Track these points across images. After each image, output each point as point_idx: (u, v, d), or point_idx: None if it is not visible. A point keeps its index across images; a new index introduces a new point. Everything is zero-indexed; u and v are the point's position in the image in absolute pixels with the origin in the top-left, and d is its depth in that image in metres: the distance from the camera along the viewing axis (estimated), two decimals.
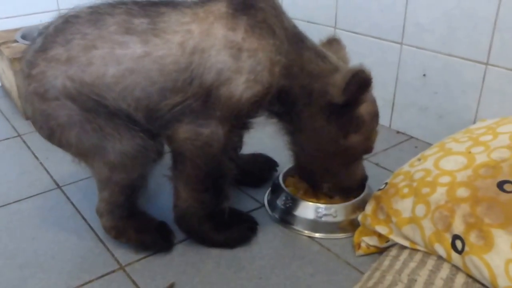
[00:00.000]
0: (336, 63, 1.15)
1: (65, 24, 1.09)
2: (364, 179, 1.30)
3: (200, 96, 1.06)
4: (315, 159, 1.24)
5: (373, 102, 1.18)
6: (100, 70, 1.05)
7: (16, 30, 2.13)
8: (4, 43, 2.00)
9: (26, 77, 1.10)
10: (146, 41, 1.06)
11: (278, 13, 1.11)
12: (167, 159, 1.18)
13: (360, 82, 1.06)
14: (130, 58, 1.05)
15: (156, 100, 1.07)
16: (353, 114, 1.14)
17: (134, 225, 1.22)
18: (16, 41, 2.00)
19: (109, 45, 1.05)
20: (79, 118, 1.08)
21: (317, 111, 1.14)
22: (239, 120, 1.11)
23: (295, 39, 1.13)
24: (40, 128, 1.14)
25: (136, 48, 1.05)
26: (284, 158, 1.30)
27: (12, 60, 1.82)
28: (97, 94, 1.06)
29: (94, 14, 1.09)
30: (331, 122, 1.14)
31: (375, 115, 1.19)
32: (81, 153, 1.14)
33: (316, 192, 1.33)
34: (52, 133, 1.12)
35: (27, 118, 1.91)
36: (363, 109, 1.14)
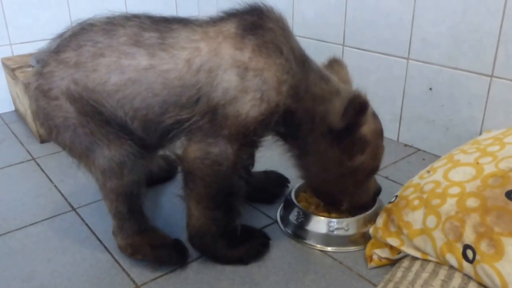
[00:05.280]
0: (338, 86, 1.16)
1: (81, 31, 1.14)
2: (377, 191, 1.30)
3: (207, 114, 1.08)
4: (323, 181, 1.25)
5: (375, 120, 1.18)
6: (103, 77, 1.09)
7: (30, 55, 2.16)
8: (19, 67, 2.03)
9: (37, 73, 1.15)
10: (153, 55, 1.09)
11: (287, 34, 1.13)
12: (180, 179, 1.19)
13: (357, 106, 1.08)
14: (134, 69, 1.08)
15: (157, 112, 1.10)
16: (355, 137, 1.15)
17: (149, 242, 1.23)
18: (30, 65, 2.03)
19: (116, 54, 1.09)
20: (73, 121, 1.12)
21: (320, 136, 1.16)
22: (247, 138, 1.12)
23: (302, 61, 1.14)
24: (42, 125, 1.19)
25: (141, 60, 1.08)
26: (295, 175, 1.31)
27: (27, 85, 1.82)
28: (95, 100, 1.11)
29: (108, 24, 1.13)
30: (334, 147, 1.15)
31: (378, 133, 1.19)
32: (75, 155, 1.19)
33: (327, 207, 1.34)
34: (50, 132, 1.18)
35: (41, 142, 1.94)
36: (365, 129, 1.15)
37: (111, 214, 1.23)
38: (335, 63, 1.28)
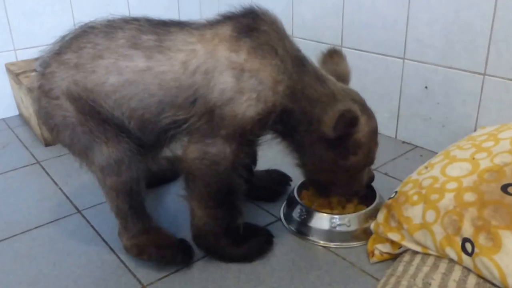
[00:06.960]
0: (334, 88, 1.17)
1: (82, 33, 1.17)
2: (370, 179, 1.32)
3: (204, 115, 1.10)
4: (319, 175, 1.27)
5: (369, 121, 1.18)
6: (102, 78, 1.12)
7: (35, 59, 2.13)
8: (23, 72, 2.04)
9: (39, 74, 1.19)
10: (150, 57, 1.11)
11: (281, 36, 1.14)
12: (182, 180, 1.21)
13: (347, 121, 1.09)
14: (131, 71, 1.11)
15: (154, 112, 1.13)
16: (349, 142, 1.15)
17: (154, 242, 1.24)
18: (35, 70, 2.02)
19: (115, 56, 1.12)
20: (72, 120, 1.15)
21: (316, 140, 1.17)
22: (244, 138, 1.13)
23: (297, 62, 1.15)
24: (43, 124, 1.23)
25: (139, 62, 1.11)
26: (297, 173, 1.33)
27: (31, 89, 1.79)
28: (93, 100, 1.13)
29: (108, 27, 1.16)
30: (329, 150, 1.17)
31: (372, 133, 1.19)
32: (75, 154, 1.22)
33: (329, 203, 1.36)
34: (52, 131, 1.21)
35: (46, 145, 1.95)
36: (359, 135, 1.15)
37: (114, 213, 1.24)
38: (335, 54, 1.29)
